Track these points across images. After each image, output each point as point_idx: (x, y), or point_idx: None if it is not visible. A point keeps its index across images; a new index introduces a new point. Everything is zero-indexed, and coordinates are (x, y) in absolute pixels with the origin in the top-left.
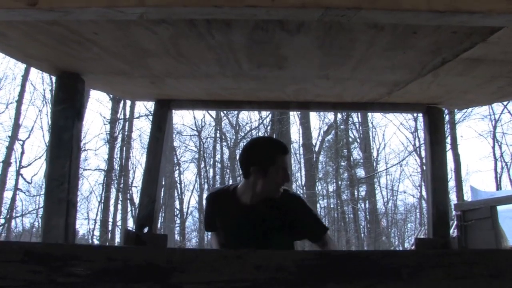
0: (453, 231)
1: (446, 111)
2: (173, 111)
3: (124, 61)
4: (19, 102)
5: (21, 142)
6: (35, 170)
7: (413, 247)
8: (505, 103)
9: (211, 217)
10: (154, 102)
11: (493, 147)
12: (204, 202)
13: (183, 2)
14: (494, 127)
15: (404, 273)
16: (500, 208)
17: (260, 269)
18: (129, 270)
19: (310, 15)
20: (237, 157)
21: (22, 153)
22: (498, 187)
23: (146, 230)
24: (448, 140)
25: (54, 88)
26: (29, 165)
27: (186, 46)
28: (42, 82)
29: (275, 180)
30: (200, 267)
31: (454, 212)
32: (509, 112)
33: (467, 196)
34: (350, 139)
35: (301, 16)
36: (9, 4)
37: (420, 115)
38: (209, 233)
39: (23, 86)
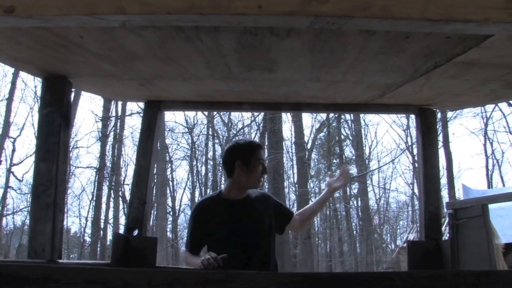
0: (445, 229)
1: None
2: (164, 112)
3: (111, 63)
4: (10, 99)
5: (12, 140)
6: (26, 168)
7: (405, 245)
8: None
9: (199, 230)
10: (144, 103)
11: (485, 145)
12: (190, 217)
13: (167, 10)
14: (486, 125)
15: None
16: (491, 206)
17: None
18: None
19: (299, 22)
20: (221, 159)
21: (13, 151)
22: (490, 184)
23: (136, 233)
24: (440, 137)
25: (41, 91)
26: (20, 162)
27: (174, 49)
28: (33, 79)
29: (257, 171)
30: None
31: (446, 211)
32: (500, 109)
33: (459, 194)
34: (342, 137)
35: (290, 24)
36: None
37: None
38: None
39: (13, 83)
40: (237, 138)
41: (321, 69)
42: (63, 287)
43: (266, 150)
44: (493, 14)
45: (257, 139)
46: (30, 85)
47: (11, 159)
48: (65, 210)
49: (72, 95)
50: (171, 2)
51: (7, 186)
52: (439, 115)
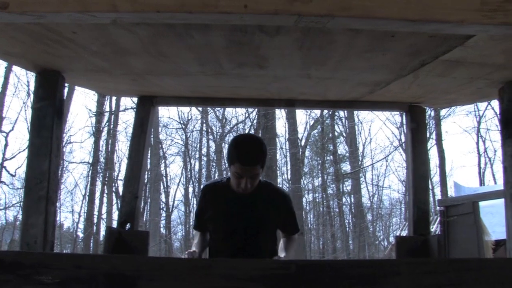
0: (437, 227)
1: (428, 109)
2: (157, 107)
3: (104, 59)
4: (3, 93)
5: (4, 134)
6: (19, 162)
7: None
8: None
9: (203, 210)
10: (137, 99)
11: (477, 143)
12: (199, 196)
13: (156, 8)
14: (479, 123)
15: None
16: (482, 203)
17: (227, 278)
18: (97, 278)
19: (284, 21)
20: None
21: (6, 145)
22: (482, 182)
23: (128, 226)
24: (433, 135)
25: (34, 86)
26: (12, 157)
27: (165, 45)
28: (26, 74)
29: (233, 180)
30: (167, 276)
31: (438, 208)
32: (492, 108)
33: (451, 192)
34: (336, 134)
35: (275, 23)
36: None
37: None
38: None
39: (6, 77)
40: (245, 128)
41: (310, 66)
42: (54, 272)
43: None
44: (468, 15)
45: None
46: (23, 79)
47: (4, 154)
48: (59, 205)
49: (66, 90)
50: (161, 1)
51: None
52: (432, 113)
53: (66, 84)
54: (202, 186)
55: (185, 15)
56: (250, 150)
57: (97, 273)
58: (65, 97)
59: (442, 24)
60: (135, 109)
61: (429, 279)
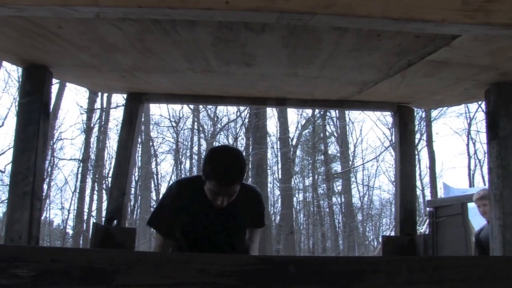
0: (426, 227)
1: (419, 110)
2: (147, 104)
3: (91, 54)
4: None
5: None
6: (9, 158)
7: None
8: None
9: (176, 213)
10: (126, 95)
11: (467, 145)
12: (167, 196)
13: (138, 3)
14: (469, 125)
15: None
16: (471, 204)
17: (203, 273)
18: (73, 272)
19: (266, 18)
20: None
21: None
22: (471, 184)
23: (115, 223)
24: (424, 137)
25: (21, 80)
26: (2, 153)
27: (152, 41)
28: (16, 70)
29: (209, 196)
30: (144, 270)
31: (427, 209)
32: (483, 110)
33: (441, 193)
34: (327, 134)
35: (258, 19)
36: None
37: None
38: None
39: None
40: (236, 127)
41: (297, 64)
42: (29, 265)
43: (250, 148)
44: (449, 15)
45: (242, 135)
46: (14, 75)
47: None
48: (48, 202)
49: (57, 86)
50: None
51: None
52: (423, 115)
53: (55, 80)
54: (174, 184)
55: (166, 11)
56: (228, 168)
57: (74, 266)
58: (56, 94)
59: (423, 23)
60: (124, 106)
61: (411, 276)
